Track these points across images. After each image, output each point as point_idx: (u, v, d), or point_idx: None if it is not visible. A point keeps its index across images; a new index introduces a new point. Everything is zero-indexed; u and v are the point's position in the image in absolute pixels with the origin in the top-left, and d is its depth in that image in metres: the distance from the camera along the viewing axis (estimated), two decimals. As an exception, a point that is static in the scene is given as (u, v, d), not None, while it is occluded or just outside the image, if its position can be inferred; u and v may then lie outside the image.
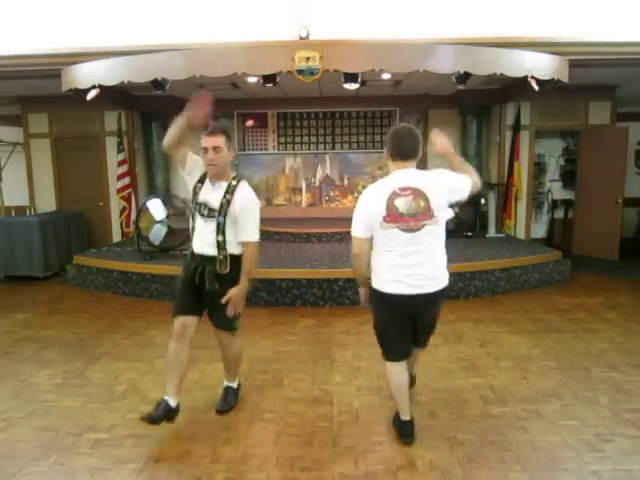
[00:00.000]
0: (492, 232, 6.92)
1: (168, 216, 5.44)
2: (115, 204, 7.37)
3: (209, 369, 3.27)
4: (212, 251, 2.49)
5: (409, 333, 2.40)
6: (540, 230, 7.74)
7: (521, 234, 7.31)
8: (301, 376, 3.21)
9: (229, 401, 2.78)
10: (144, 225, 5.58)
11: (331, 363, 3.42)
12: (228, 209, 2.45)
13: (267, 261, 5.20)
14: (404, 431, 2.42)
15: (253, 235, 2.52)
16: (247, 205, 2.49)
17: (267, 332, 4.08)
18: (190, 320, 2.53)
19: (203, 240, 2.52)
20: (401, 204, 2.17)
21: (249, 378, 3.19)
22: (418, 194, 2.18)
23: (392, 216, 2.18)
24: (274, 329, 4.16)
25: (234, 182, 2.50)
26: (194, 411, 2.75)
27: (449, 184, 2.26)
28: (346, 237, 6.37)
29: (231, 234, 2.50)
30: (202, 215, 2.50)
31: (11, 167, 7.46)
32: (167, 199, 5.81)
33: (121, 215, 7.23)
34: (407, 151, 2.27)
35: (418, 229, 2.18)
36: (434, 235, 2.23)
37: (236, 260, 2.52)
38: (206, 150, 2.43)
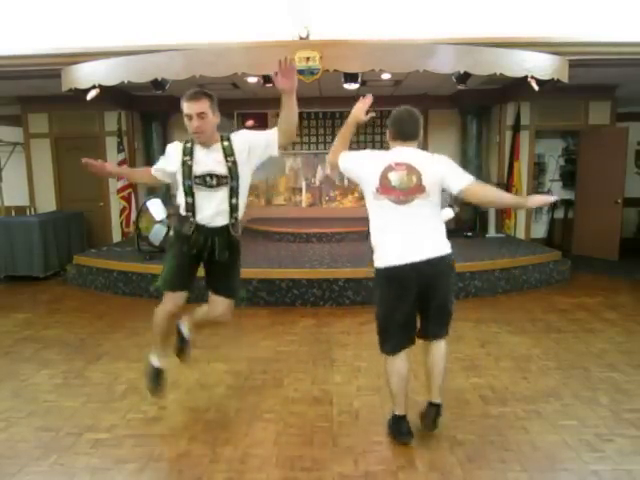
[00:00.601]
0: (492, 232, 6.93)
1: (168, 216, 5.43)
2: (115, 204, 7.37)
3: (209, 369, 3.27)
4: (223, 220, 2.44)
5: (411, 322, 2.33)
6: (540, 230, 7.74)
7: (521, 234, 7.31)
8: (301, 376, 3.20)
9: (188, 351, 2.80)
10: (144, 225, 5.58)
11: (331, 363, 3.42)
12: (237, 169, 2.39)
13: (267, 261, 5.21)
14: (401, 428, 2.36)
15: (272, 132, 2.44)
16: (246, 136, 2.48)
17: (267, 332, 4.08)
18: (184, 296, 2.52)
19: (212, 211, 2.42)
20: (394, 178, 2.23)
21: (249, 378, 3.18)
22: (412, 170, 2.23)
23: (384, 188, 2.25)
24: (274, 329, 4.16)
25: (226, 142, 2.41)
26: (194, 411, 2.75)
27: (442, 175, 2.27)
28: (346, 237, 6.38)
29: (243, 194, 2.47)
30: (210, 186, 2.38)
31: (11, 167, 7.46)
32: (167, 199, 5.81)
33: (121, 215, 7.23)
34: (408, 133, 2.33)
35: (408, 201, 2.23)
36: (426, 208, 2.26)
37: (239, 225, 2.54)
38: (190, 117, 2.30)
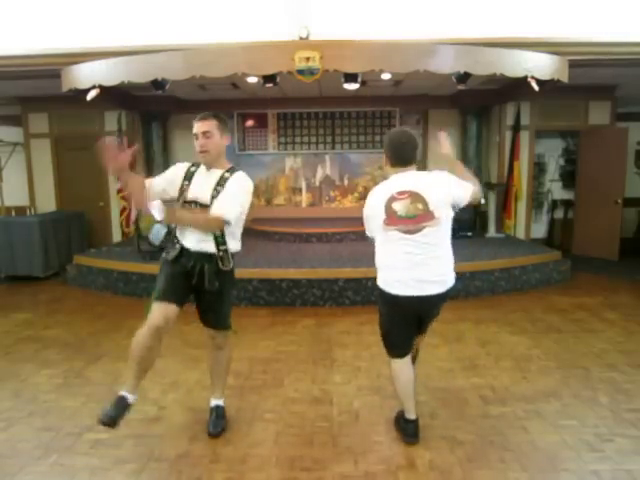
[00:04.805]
0: (492, 232, 6.92)
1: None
2: (115, 204, 7.37)
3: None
4: (210, 247, 2.32)
5: (414, 330, 2.44)
6: (540, 230, 7.75)
7: (521, 234, 7.31)
8: (301, 376, 3.21)
9: (221, 423, 2.56)
10: (144, 225, 5.58)
11: (331, 363, 3.42)
12: None
13: (267, 261, 5.20)
14: (408, 430, 2.42)
15: (228, 212, 2.23)
16: (233, 185, 2.30)
17: (267, 332, 4.08)
18: (173, 310, 2.26)
19: (194, 236, 2.33)
20: (399, 207, 2.20)
21: (249, 378, 3.19)
22: (415, 197, 2.20)
23: (391, 219, 2.22)
24: (274, 329, 4.16)
25: (227, 174, 2.32)
26: (194, 411, 2.75)
27: (448, 193, 2.24)
28: (346, 237, 6.38)
29: (232, 228, 2.36)
30: None
31: (11, 167, 7.47)
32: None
33: (121, 215, 7.23)
34: (405, 158, 2.30)
35: (418, 230, 2.20)
36: (436, 236, 2.23)
37: (234, 257, 2.43)
38: (196, 136, 2.31)
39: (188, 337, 3.89)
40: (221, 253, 2.35)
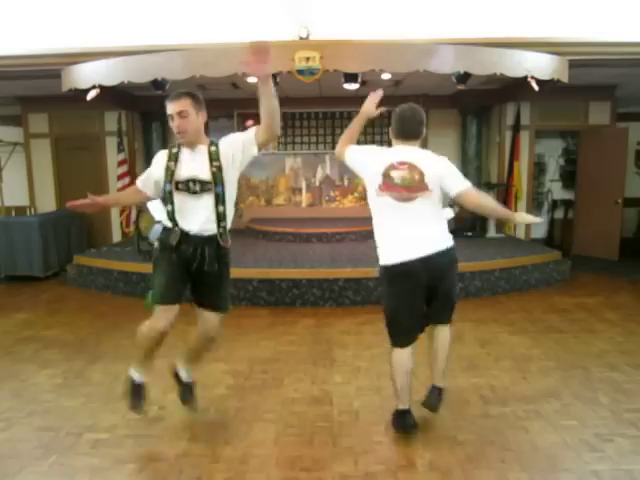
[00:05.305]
0: (492, 232, 6.92)
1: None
2: (115, 204, 7.36)
3: (209, 369, 3.25)
4: (211, 228, 2.31)
5: (420, 312, 2.41)
6: (540, 230, 7.74)
7: (521, 234, 7.31)
8: (301, 376, 3.20)
9: (193, 396, 2.63)
10: (144, 225, 5.57)
11: (331, 363, 3.42)
12: (222, 174, 2.28)
13: (267, 261, 5.21)
14: (407, 421, 2.40)
15: (250, 131, 2.38)
16: (230, 139, 2.39)
17: (267, 332, 4.08)
18: (177, 311, 2.32)
19: (198, 218, 2.30)
20: (396, 175, 2.29)
21: (249, 378, 3.19)
22: (413, 168, 2.28)
23: (387, 185, 2.31)
24: (274, 329, 4.16)
25: (213, 147, 2.32)
26: (194, 411, 2.74)
27: (441, 175, 2.31)
28: (346, 237, 6.38)
29: (230, 202, 2.36)
30: (194, 192, 2.27)
31: (11, 167, 7.46)
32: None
33: (121, 215, 7.23)
34: (410, 133, 2.38)
35: (411, 199, 2.28)
36: (427, 206, 2.31)
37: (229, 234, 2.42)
38: (172, 117, 2.27)
39: (189, 337, 3.89)
40: (221, 230, 2.36)
